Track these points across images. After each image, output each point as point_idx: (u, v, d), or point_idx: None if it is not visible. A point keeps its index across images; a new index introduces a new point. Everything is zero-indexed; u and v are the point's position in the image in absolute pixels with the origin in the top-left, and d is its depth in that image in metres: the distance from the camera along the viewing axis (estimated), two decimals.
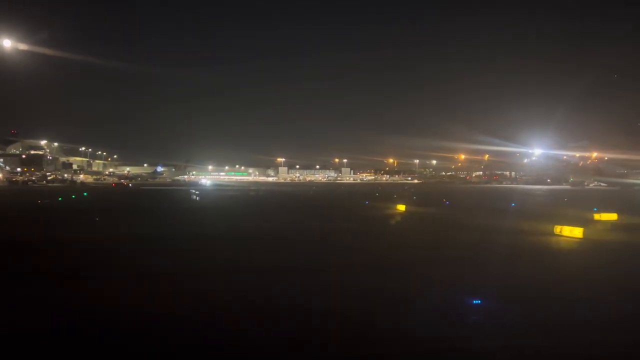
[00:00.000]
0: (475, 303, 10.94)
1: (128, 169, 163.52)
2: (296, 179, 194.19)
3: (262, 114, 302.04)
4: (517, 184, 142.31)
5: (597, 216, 28.19)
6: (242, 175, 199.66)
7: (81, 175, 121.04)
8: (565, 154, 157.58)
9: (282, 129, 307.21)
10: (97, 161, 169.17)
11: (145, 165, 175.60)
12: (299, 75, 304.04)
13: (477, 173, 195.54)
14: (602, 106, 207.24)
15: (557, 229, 24.13)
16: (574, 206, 44.08)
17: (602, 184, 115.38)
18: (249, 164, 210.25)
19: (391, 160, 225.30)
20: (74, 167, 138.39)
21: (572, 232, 23.10)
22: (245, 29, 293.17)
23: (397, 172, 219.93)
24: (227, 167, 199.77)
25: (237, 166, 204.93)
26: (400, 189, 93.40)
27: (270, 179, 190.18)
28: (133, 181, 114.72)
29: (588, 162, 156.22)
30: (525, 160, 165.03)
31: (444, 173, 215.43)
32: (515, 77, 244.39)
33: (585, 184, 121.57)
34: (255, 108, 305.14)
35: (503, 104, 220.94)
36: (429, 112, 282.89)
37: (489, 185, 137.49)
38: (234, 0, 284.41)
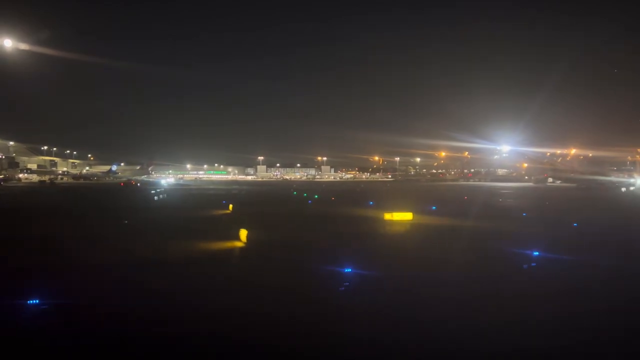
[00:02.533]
0: None
1: (87, 168, 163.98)
2: (274, 177, 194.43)
3: (243, 112, 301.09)
4: (486, 181, 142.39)
5: (388, 215, 27.29)
6: (221, 174, 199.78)
7: (21, 175, 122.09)
8: (541, 151, 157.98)
9: (264, 127, 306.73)
10: (71, 160, 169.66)
11: (122, 164, 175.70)
12: (281, 73, 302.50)
13: (457, 170, 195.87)
14: (581, 103, 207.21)
15: None
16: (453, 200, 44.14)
17: (558, 182, 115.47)
18: (230, 163, 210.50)
19: (376, 158, 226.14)
20: (30, 166, 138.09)
21: None
22: (225, 27, 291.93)
23: (382, 170, 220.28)
24: (205, 166, 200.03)
25: (216, 165, 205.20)
26: (353, 186, 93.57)
27: (249, 178, 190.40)
28: (82, 180, 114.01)
29: (559, 160, 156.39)
30: (495, 157, 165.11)
31: (424, 171, 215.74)
32: (493, 74, 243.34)
33: (550, 181, 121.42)
34: (235, 106, 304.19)
35: (483, 102, 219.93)
36: (412, 110, 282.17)
37: (455, 182, 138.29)
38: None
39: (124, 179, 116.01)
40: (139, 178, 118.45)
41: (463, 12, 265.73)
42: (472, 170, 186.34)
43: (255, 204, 41.97)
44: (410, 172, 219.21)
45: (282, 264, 13.92)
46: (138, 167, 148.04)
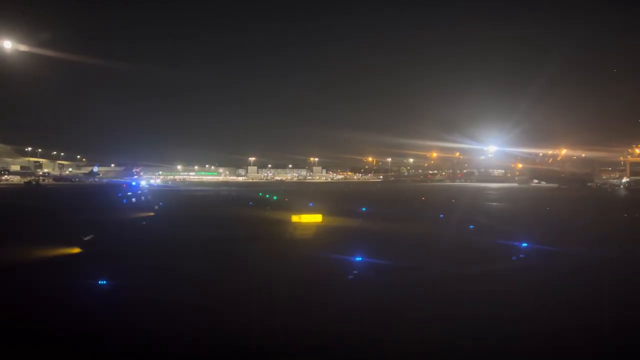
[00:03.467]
0: None
1: (70, 169, 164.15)
2: (264, 178, 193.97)
3: (235, 112, 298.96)
4: (472, 181, 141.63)
5: (295, 218, 26.60)
6: (212, 175, 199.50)
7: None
8: (533, 151, 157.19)
9: (256, 128, 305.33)
10: (59, 162, 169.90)
11: (112, 165, 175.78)
12: (275, 73, 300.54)
13: (448, 171, 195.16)
14: (575, 103, 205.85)
15: None
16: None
17: (543, 182, 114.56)
18: (222, 164, 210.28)
19: (370, 159, 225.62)
20: (14, 168, 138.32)
21: None
22: (218, 27, 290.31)
23: (374, 171, 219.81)
24: (196, 167, 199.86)
25: (207, 166, 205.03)
26: (331, 187, 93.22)
27: (240, 179, 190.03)
28: (62, 182, 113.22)
29: (550, 161, 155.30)
30: (482, 157, 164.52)
31: (420, 171, 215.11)
32: (485, 74, 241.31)
33: (536, 182, 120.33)
34: (227, 106, 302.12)
35: (475, 103, 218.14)
36: (405, 111, 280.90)
37: (440, 183, 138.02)
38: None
39: (104, 180, 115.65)
40: (117, 179, 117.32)
41: (458, 12, 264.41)
42: (465, 171, 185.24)
43: (193, 206, 41.55)
44: (404, 172, 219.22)
45: None
46: (122, 169, 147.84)
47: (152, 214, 31.54)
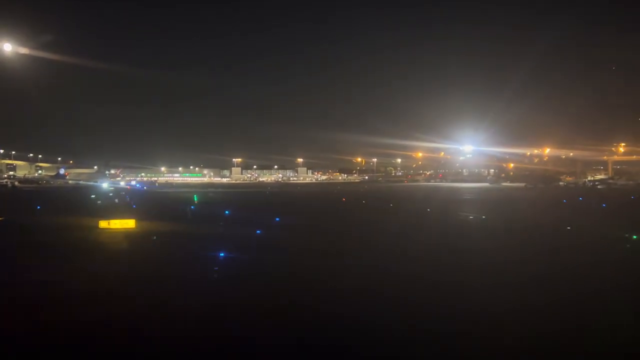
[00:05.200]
0: None
1: (40, 171, 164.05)
2: (247, 179, 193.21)
3: (220, 113, 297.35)
4: (447, 181, 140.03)
5: (104, 223, 25.39)
6: (197, 177, 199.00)
7: None
8: (513, 152, 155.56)
9: (241, 128, 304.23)
10: (41, 164, 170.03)
11: (95, 167, 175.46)
12: (262, 74, 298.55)
13: (431, 172, 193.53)
14: (555, 104, 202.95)
15: None
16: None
17: (516, 183, 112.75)
18: (207, 165, 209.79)
19: (359, 160, 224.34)
20: None
21: None
22: (202, 30, 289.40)
23: (359, 172, 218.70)
24: (180, 169, 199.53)
25: (191, 167, 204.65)
26: (295, 189, 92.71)
27: (224, 180, 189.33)
28: (26, 185, 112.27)
29: (526, 161, 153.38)
30: (461, 158, 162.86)
31: (411, 172, 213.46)
32: (472, 75, 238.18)
33: (508, 183, 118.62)
34: (212, 107, 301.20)
35: (459, 104, 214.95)
36: (394, 112, 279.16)
37: (413, 183, 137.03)
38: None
39: (73, 183, 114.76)
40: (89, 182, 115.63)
41: (457, 12, 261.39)
42: (444, 171, 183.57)
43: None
44: (391, 173, 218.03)
45: None
46: (94, 171, 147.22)
47: None
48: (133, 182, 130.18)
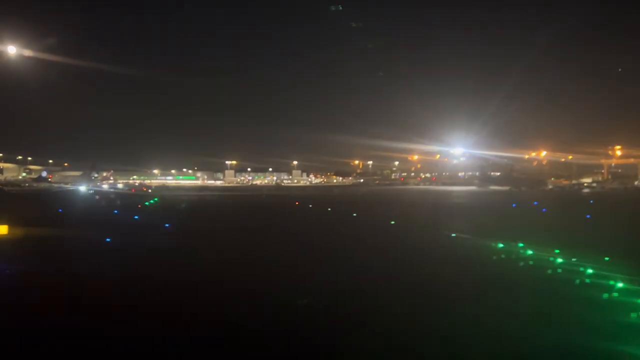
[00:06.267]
0: None
1: (24, 174, 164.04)
2: (240, 182, 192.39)
3: (214, 115, 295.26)
4: (438, 185, 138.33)
5: None
6: (191, 180, 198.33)
7: None
8: (507, 155, 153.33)
9: (236, 131, 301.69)
10: (32, 167, 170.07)
11: (89, 170, 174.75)
12: (256, 75, 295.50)
13: (425, 174, 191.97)
14: (552, 108, 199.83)
15: None
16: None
17: (506, 187, 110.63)
18: (201, 168, 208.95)
19: (357, 162, 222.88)
20: None
21: None
22: (197, 29, 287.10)
23: (354, 174, 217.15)
24: (174, 171, 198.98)
25: (184, 170, 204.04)
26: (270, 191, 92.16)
27: (218, 183, 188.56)
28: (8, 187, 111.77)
29: (515, 165, 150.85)
30: (455, 162, 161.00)
31: (412, 174, 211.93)
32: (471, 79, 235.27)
33: (495, 187, 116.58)
34: (206, 109, 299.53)
35: (453, 107, 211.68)
36: (391, 114, 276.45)
37: (403, 187, 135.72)
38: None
39: (57, 186, 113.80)
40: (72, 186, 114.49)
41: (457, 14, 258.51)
42: (444, 174, 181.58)
43: None
44: (389, 175, 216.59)
45: None
46: (80, 173, 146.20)
47: None
48: (119, 185, 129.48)
